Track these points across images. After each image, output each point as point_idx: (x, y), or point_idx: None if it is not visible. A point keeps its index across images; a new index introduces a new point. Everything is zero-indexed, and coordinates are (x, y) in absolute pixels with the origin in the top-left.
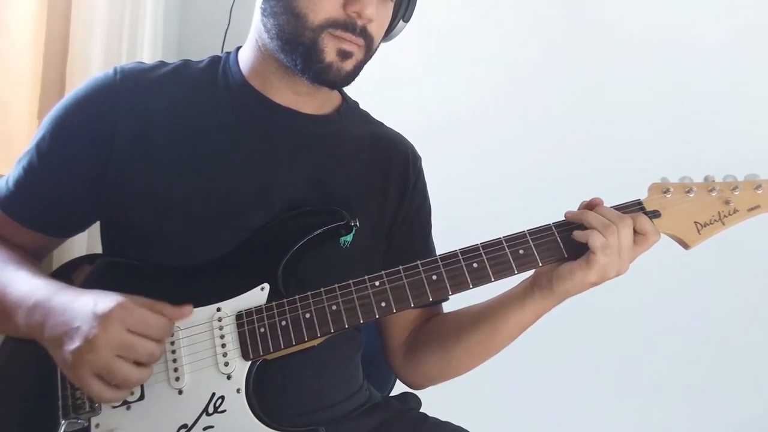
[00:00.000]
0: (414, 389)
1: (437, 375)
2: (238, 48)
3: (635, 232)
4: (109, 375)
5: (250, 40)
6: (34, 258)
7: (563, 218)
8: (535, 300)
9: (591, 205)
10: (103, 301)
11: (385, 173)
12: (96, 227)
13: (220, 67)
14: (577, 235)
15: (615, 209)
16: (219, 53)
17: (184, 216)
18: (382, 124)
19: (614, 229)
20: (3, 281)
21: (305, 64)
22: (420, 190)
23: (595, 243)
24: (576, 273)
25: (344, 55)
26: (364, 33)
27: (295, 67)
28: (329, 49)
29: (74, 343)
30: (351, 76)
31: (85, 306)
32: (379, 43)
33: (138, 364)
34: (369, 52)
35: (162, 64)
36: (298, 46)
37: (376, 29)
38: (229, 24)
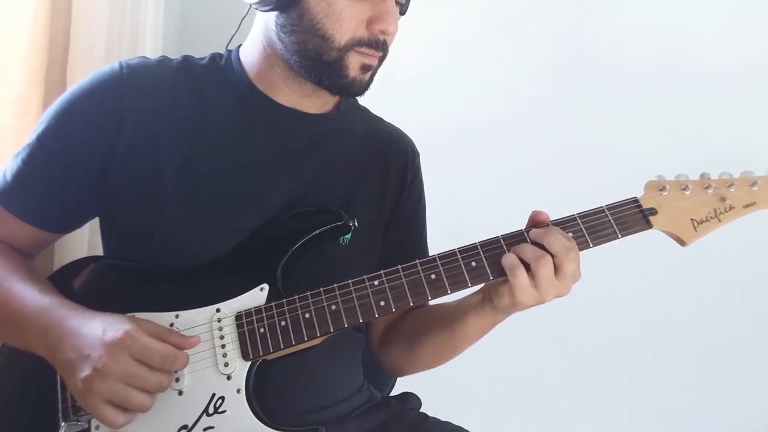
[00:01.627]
0: (392, 377)
1: (405, 367)
2: (239, 46)
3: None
4: (122, 402)
5: (255, 45)
6: (28, 254)
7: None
8: (487, 312)
9: (539, 221)
10: (112, 328)
11: (384, 169)
12: (97, 227)
13: (222, 66)
14: (503, 258)
15: (613, 208)
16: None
17: (185, 215)
18: (382, 119)
19: (546, 260)
20: (9, 294)
21: (328, 80)
22: (417, 187)
23: (505, 263)
24: (503, 295)
25: (366, 68)
26: (384, 46)
27: (318, 83)
28: (353, 65)
29: (84, 371)
30: (368, 84)
31: (94, 332)
32: None
33: (147, 391)
34: (383, 60)
35: (165, 59)
36: (321, 63)
37: (391, 39)
38: (238, 30)
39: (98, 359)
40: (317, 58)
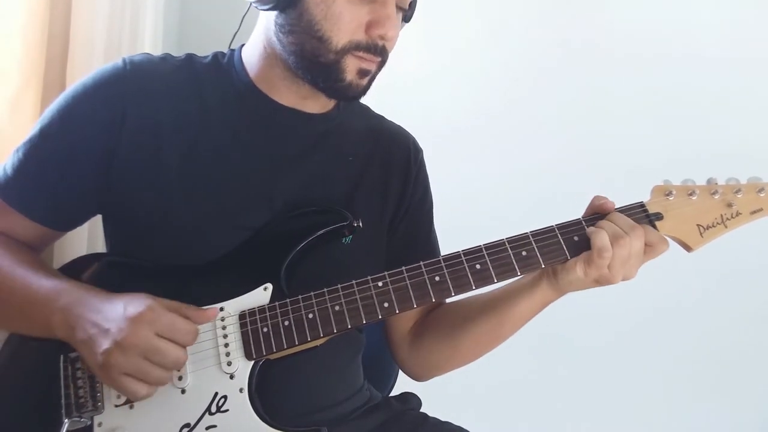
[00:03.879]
0: (419, 380)
1: (444, 364)
2: (242, 46)
3: (645, 243)
4: (141, 375)
5: (256, 45)
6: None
7: (565, 220)
8: (543, 290)
9: (603, 208)
10: (134, 303)
11: (387, 167)
12: (98, 225)
13: (224, 65)
14: (588, 231)
15: (620, 212)
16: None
17: (187, 214)
18: (383, 117)
19: (626, 240)
20: (23, 280)
21: (324, 82)
22: (421, 183)
23: (595, 243)
24: (576, 268)
25: (363, 73)
26: (383, 51)
27: (314, 84)
28: (350, 69)
29: (105, 345)
30: (366, 90)
31: (116, 308)
32: None
33: (164, 367)
34: (383, 65)
35: (168, 56)
36: (318, 65)
37: (392, 45)
38: (239, 29)
39: (118, 332)
40: (314, 60)
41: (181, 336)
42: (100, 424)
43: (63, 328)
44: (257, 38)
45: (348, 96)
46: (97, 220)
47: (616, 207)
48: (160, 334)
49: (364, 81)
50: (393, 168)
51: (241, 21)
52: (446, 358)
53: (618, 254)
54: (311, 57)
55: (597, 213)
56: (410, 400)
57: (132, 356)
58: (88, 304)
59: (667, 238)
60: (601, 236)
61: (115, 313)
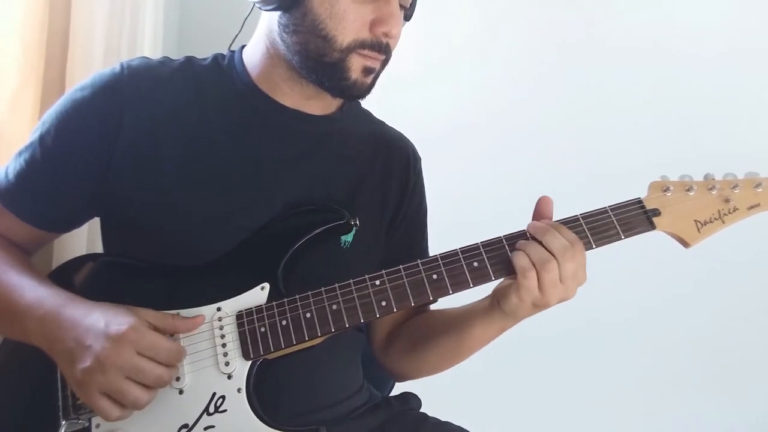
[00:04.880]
0: (398, 381)
1: (411, 372)
2: (242, 47)
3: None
4: (117, 396)
5: (258, 46)
6: (27, 251)
7: (563, 218)
8: (495, 317)
9: (543, 212)
10: (116, 321)
11: (386, 173)
12: (97, 226)
13: (225, 66)
14: (512, 255)
15: (616, 209)
16: (220, 52)
17: (186, 214)
18: (384, 123)
19: (553, 265)
20: (7, 286)
21: (330, 82)
22: (419, 191)
23: (517, 264)
24: (510, 296)
25: (368, 71)
26: (386, 49)
27: (319, 84)
28: (355, 68)
29: (85, 363)
30: (371, 88)
31: (96, 323)
32: None
33: (146, 386)
34: (386, 63)
35: (167, 60)
36: (323, 65)
37: (395, 42)
38: (241, 30)
39: (101, 350)
40: (319, 59)
41: (164, 355)
42: (97, 426)
43: (41, 338)
44: (259, 39)
45: (353, 94)
46: (97, 221)
47: (611, 204)
48: (142, 353)
49: (369, 79)
50: (393, 173)
51: (243, 23)
52: (412, 369)
53: (546, 279)
54: (316, 56)
55: (541, 217)
56: (410, 400)
57: (112, 375)
58: (67, 316)
59: (665, 234)
60: (518, 257)
61: (96, 329)
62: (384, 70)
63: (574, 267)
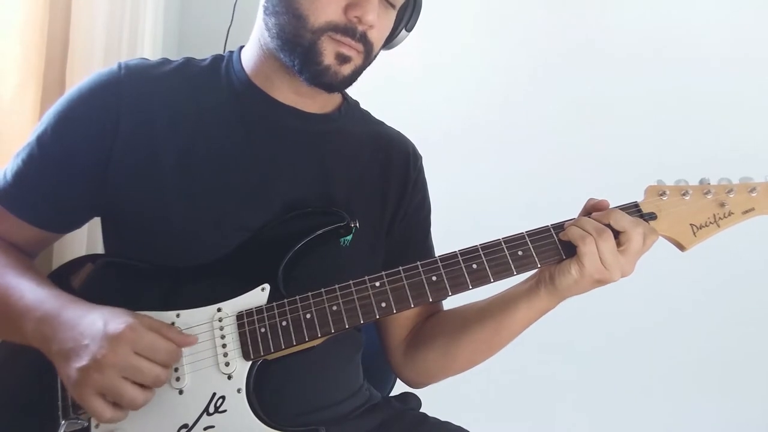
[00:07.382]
0: (414, 387)
1: (439, 372)
2: (241, 47)
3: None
4: (113, 395)
5: (253, 39)
6: (29, 253)
7: (561, 220)
8: (541, 297)
9: (597, 207)
10: (114, 321)
11: (386, 172)
12: (97, 226)
13: (223, 65)
14: (564, 233)
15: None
16: (221, 52)
17: (185, 215)
18: (383, 123)
19: (608, 235)
20: (6, 287)
21: (303, 65)
22: (420, 189)
23: (574, 236)
24: (570, 270)
25: (343, 59)
26: (364, 39)
27: (293, 67)
28: (328, 52)
29: (82, 361)
30: (348, 80)
31: (94, 324)
32: (379, 50)
33: (142, 386)
34: (368, 58)
35: (165, 61)
36: (297, 46)
37: (377, 36)
38: (231, 22)
39: (98, 350)
40: (293, 40)
41: (162, 355)
42: (97, 426)
43: (39, 339)
44: (254, 37)
45: (326, 81)
46: (97, 221)
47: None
48: (140, 353)
49: (345, 69)
50: (392, 172)
51: (233, 12)
52: (441, 367)
53: (603, 248)
54: (291, 38)
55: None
56: (410, 400)
57: (109, 375)
58: (65, 317)
59: (661, 238)
60: (572, 230)
61: (94, 329)
62: (380, 72)
63: (641, 244)
